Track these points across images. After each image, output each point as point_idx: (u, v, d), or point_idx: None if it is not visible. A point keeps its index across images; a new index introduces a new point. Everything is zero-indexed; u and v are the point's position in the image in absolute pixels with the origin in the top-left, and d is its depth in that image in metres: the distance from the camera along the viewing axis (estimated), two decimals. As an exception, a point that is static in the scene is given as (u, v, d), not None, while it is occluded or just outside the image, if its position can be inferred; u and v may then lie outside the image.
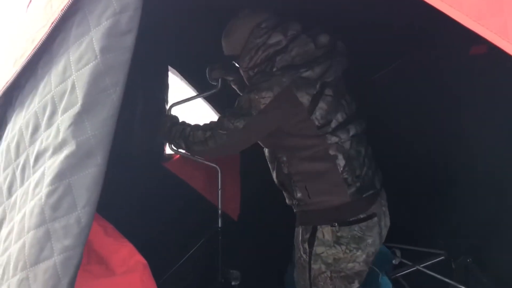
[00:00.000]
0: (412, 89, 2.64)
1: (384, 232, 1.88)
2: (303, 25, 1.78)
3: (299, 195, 1.79)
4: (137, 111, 2.47)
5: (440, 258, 2.63)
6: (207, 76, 2.12)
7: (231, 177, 2.62)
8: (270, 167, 1.91)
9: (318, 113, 1.67)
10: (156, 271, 1.28)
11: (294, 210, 1.90)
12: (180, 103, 2.22)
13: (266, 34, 1.73)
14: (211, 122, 1.79)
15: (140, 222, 2.35)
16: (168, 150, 2.66)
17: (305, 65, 1.67)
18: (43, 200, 0.87)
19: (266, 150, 1.90)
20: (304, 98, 1.65)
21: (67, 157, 0.86)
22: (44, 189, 0.87)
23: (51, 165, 0.88)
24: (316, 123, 1.67)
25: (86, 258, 1.26)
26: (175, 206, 2.60)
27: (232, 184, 2.61)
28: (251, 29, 1.75)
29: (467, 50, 2.38)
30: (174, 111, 2.18)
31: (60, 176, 0.86)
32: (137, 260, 1.24)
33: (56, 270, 0.83)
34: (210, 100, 2.81)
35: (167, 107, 2.56)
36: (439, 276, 2.57)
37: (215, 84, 2.11)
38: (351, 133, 1.74)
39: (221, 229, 2.41)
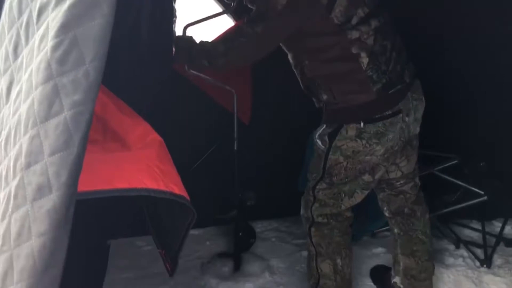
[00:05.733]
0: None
1: (413, 127, 1.86)
2: None
3: (325, 97, 1.78)
4: (143, 13, 2.37)
5: (453, 162, 2.64)
6: None
7: (243, 78, 2.55)
8: (295, 73, 1.87)
9: (337, 10, 1.60)
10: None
11: (323, 111, 1.89)
12: (196, 23, 2.05)
13: None
14: (230, 32, 1.74)
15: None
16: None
17: None
18: (48, 54, 0.83)
19: (289, 56, 1.85)
20: None
21: (71, 7, 0.80)
22: (49, 43, 0.83)
23: (55, 17, 0.82)
24: (336, 21, 1.61)
25: (102, 136, 1.25)
26: (186, 111, 2.59)
27: (243, 86, 2.54)
28: None
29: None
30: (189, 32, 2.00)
31: (65, 28, 0.81)
32: (154, 137, 1.24)
33: (67, 125, 0.81)
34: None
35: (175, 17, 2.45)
36: (452, 179, 2.59)
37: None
38: (373, 25, 1.67)
39: (237, 152, 2.42)
